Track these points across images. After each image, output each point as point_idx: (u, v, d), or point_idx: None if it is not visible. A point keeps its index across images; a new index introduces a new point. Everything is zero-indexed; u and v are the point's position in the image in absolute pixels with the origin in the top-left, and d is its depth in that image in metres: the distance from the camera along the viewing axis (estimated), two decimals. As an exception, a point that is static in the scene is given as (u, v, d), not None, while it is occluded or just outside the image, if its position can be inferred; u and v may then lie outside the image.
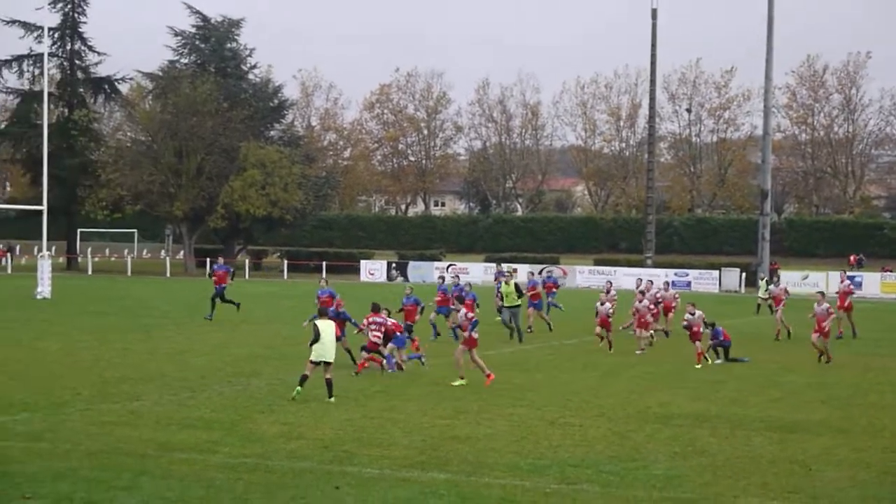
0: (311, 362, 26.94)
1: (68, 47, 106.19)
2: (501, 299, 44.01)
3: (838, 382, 32.63)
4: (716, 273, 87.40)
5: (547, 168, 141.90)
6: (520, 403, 27.30)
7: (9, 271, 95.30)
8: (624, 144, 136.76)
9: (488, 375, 30.02)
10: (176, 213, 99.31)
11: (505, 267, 56.72)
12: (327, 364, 27.00)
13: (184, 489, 17.62)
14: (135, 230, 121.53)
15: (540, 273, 70.62)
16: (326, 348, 26.92)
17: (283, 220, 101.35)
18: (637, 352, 38.56)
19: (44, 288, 63.74)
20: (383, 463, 19.97)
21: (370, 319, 32.23)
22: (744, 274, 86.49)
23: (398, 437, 22.55)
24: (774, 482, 19.11)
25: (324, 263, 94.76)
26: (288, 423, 23.91)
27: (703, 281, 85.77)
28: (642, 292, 41.98)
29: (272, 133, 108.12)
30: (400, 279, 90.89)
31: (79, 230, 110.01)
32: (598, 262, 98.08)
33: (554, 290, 53.45)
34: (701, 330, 37.03)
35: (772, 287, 37.58)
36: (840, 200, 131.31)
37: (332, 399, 26.83)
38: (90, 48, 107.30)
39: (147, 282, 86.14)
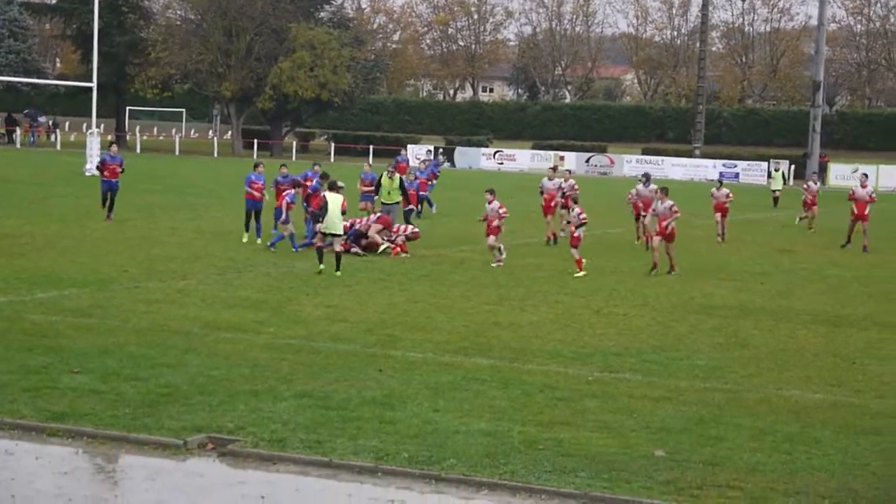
0: (321, 233, 28.72)
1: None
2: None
3: (885, 277, 32.48)
4: (764, 165, 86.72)
5: (597, 55, 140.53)
6: (564, 291, 27.35)
7: (57, 147, 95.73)
8: (675, 33, 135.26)
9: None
10: (224, 93, 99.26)
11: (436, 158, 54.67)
12: (334, 236, 28.49)
13: (229, 368, 17.79)
14: (183, 110, 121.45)
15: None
16: (332, 221, 28.45)
17: (330, 103, 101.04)
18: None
19: (92, 165, 63.97)
20: (426, 347, 20.08)
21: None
22: (793, 166, 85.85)
23: (441, 322, 22.66)
24: (817, 375, 19.11)
25: (370, 147, 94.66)
26: (332, 305, 24.06)
27: (752, 172, 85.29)
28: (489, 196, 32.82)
29: (322, 14, 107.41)
30: (447, 164, 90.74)
31: (128, 108, 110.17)
32: (645, 152, 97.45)
33: (431, 182, 49.15)
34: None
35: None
36: (893, 93, 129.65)
37: (339, 273, 28.10)
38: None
39: (194, 161, 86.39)
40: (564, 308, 24.97)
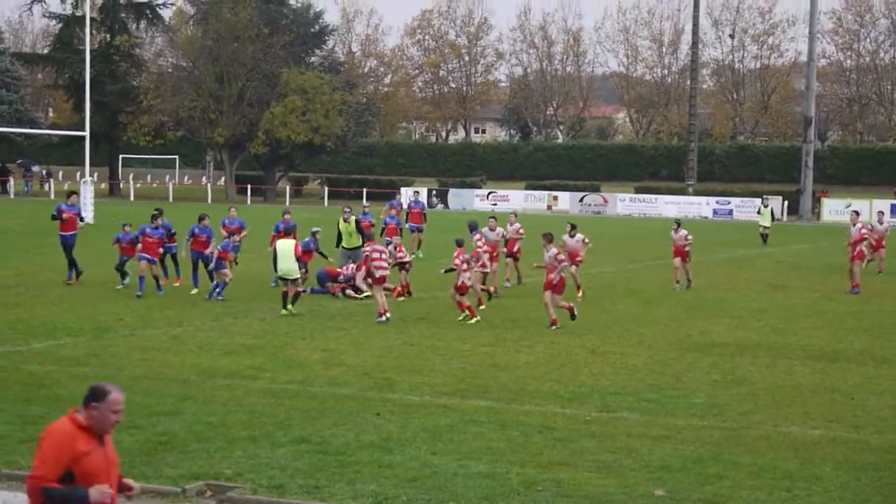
0: (280, 279, 29.45)
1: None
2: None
3: (880, 311, 32.49)
4: (758, 201, 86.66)
5: (588, 95, 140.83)
6: (560, 331, 27.31)
7: (52, 197, 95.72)
8: (666, 71, 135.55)
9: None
10: (217, 139, 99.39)
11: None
12: (288, 280, 29.27)
13: (226, 414, 17.76)
14: (176, 156, 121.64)
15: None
16: (283, 266, 29.27)
17: (323, 147, 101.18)
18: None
19: (86, 213, 64.04)
20: (423, 390, 20.07)
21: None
22: (786, 202, 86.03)
23: (438, 364, 22.65)
24: (816, 411, 19.09)
25: (364, 190, 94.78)
26: (329, 349, 24.05)
27: (745, 209, 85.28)
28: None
29: (313, 59, 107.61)
30: (440, 206, 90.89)
31: (121, 156, 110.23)
32: (639, 190, 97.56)
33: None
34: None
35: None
36: (884, 127, 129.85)
37: (292, 308, 28.92)
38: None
39: (188, 207, 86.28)
40: (560, 348, 24.95)
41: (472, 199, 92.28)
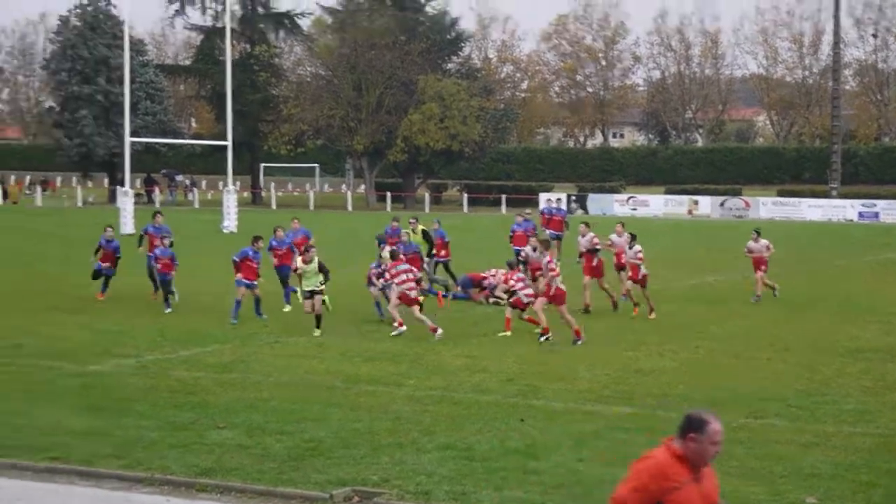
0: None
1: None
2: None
3: None
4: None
5: (727, 97, 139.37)
6: (703, 336, 27.06)
7: (196, 206, 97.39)
8: (807, 72, 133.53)
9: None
10: (356, 147, 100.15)
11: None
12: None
13: (372, 420, 17.86)
14: (316, 165, 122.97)
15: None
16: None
17: (461, 153, 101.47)
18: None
19: (230, 222, 65.06)
20: (567, 396, 19.98)
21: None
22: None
23: (581, 370, 22.53)
24: (971, 418, 18.64)
25: (503, 196, 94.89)
26: (471, 356, 24.06)
27: (892, 212, 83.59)
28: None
29: (449, 66, 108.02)
30: (580, 212, 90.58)
31: (262, 165, 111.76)
32: (781, 193, 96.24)
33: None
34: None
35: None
36: None
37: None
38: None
39: (329, 215, 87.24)
40: (704, 353, 24.72)
41: (611, 204, 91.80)
